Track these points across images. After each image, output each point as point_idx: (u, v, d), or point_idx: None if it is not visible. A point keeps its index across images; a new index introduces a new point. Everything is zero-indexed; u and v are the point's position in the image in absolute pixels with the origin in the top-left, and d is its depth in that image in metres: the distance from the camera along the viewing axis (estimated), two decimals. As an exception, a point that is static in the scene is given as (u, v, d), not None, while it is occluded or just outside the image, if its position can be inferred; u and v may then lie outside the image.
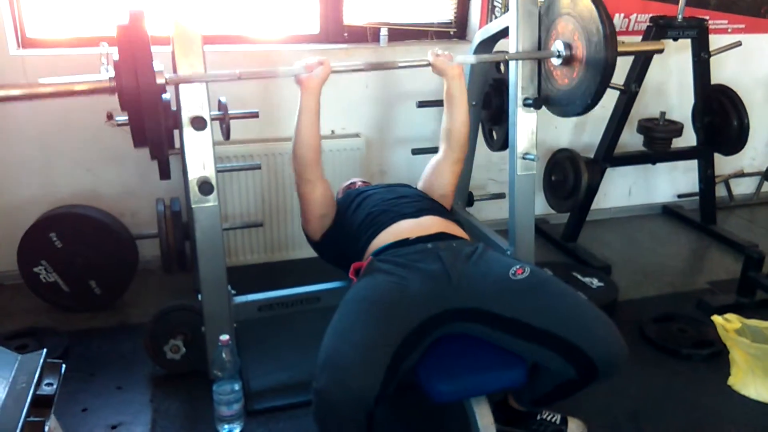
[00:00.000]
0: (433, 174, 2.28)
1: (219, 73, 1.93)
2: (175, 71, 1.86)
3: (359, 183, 2.44)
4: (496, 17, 3.06)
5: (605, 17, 1.99)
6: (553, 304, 1.69)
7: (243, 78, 1.90)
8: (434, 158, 2.31)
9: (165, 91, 1.82)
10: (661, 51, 2.35)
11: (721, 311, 2.35)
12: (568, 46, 2.15)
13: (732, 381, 2.21)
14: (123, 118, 2.32)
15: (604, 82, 2.04)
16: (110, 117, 2.66)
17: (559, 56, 2.16)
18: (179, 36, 1.85)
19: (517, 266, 1.77)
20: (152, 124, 1.72)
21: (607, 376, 1.64)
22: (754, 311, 2.52)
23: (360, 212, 2.07)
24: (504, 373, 1.70)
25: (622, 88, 3.00)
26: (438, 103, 2.86)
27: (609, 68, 2.01)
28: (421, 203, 2.10)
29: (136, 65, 1.64)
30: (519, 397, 1.94)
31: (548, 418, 1.95)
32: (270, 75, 2.03)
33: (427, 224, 1.97)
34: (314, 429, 1.63)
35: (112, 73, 1.67)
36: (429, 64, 2.17)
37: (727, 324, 2.21)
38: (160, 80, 1.70)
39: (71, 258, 2.54)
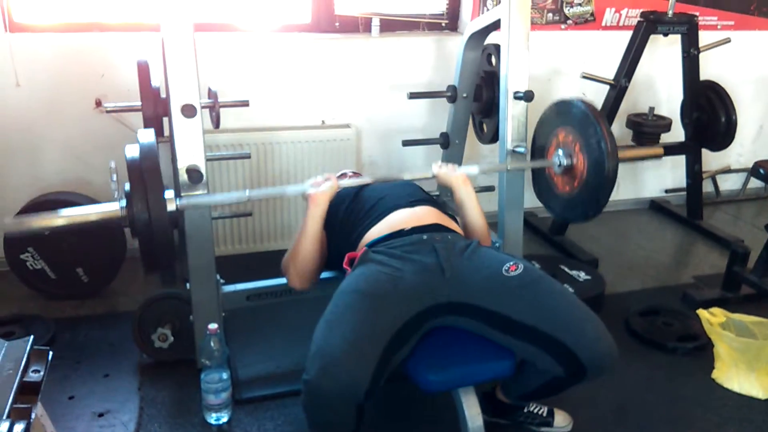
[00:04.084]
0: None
1: (226, 198, 1.95)
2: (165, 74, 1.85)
3: (350, 174, 2.43)
4: (487, 9, 3.06)
5: (607, 134, 2.00)
6: (545, 302, 1.69)
7: (252, 199, 1.91)
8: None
9: (175, 220, 1.84)
10: (660, 156, 2.33)
11: (706, 305, 2.37)
12: (569, 156, 2.15)
13: (716, 374, 2.24)
14: (112, 104, 2.32)
15: (604, 197, 2.07)
16: (99, 104, 2.64)
17: (560, 166, 2.17)
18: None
19: (511, 263, 1.77)
20: (164, 254, 1.74)
21: (595, 376, 1.65)
22: (739, 306, 2.54)
23: (355, 205, 2.06)
24: (492, 364, 1.72)
25: (612, 82, 3.01)
26: (429, 95, 2.87)
27: (610, 184, 2.03)
28: (417, 193, 2.10)
29: (148, 199, 1.69)
30: (507, 390, 1.94)
31: (535, 411, 1.96)
32: (279, 194, 1.99)
33: (423, 214, 1.96)
34: (303, 418, 1.64)
35: (123, 201, 1.74)
36: (433, 176, 2.13)
37: (712, 318, 2.23)
38: (170, 207, 1.74)
39: (58, 245, 2.52)
